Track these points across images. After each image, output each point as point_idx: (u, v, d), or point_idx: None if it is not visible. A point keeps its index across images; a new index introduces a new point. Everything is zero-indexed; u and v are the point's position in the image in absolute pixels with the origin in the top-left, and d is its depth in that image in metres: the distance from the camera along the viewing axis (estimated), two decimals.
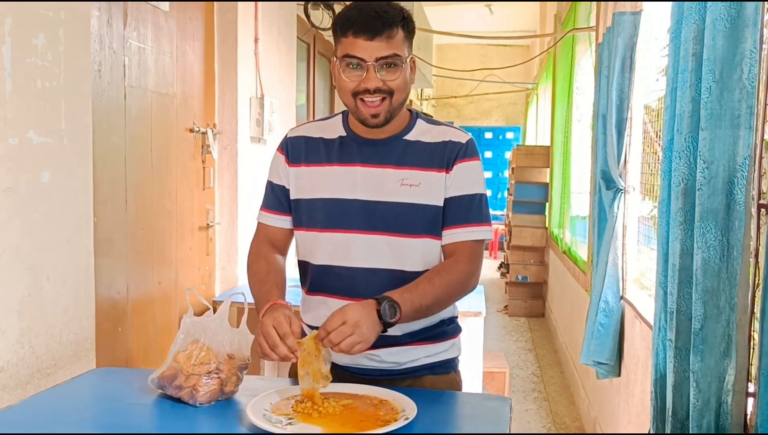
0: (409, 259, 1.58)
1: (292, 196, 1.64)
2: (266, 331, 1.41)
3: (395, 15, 1.50)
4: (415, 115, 1.64)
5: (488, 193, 1.67)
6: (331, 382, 1.57)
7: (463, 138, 1.61)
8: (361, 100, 1.51)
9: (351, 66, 1.50)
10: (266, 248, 1.69)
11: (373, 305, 1.41)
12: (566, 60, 5.57)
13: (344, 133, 1.63)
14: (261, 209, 1.71)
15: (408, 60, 1.54)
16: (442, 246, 1.61)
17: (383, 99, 1.51)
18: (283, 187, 1.66)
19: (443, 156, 1.58)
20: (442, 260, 1.62)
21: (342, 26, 1.50)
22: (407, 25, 1.53)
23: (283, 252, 1.72)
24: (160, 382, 1.47)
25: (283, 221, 1.68)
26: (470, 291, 1.60)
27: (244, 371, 1.51)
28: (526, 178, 7.39)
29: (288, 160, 1.65)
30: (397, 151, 1.59)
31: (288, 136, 1.69)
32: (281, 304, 1.51)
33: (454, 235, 1.58)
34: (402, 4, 1.57)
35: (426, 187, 1.56)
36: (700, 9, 1.62)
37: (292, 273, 1.69)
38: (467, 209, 1.58)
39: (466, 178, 1.58)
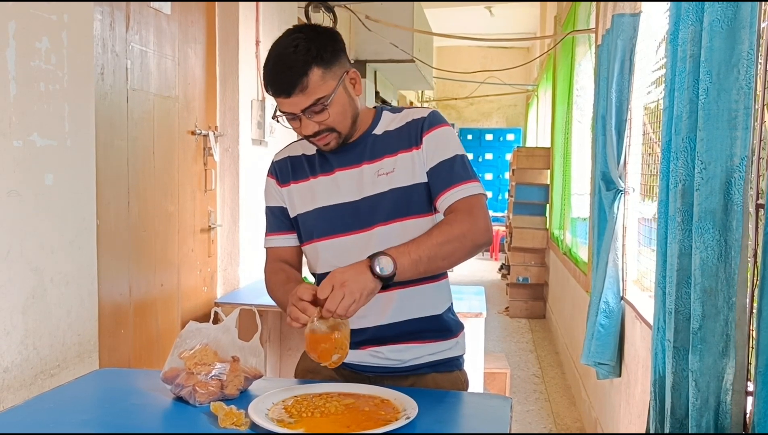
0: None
1: (291, 214, 1.68)
2: (294, 298, 1.43)
3: (302, 61, 1.46)
4: (379, 111, 1.67)
5: (469, 155, 1.64)
6: (334, 381, 1.58)
7: (424, 112, 1.63)
8: (310, 139, 1.57)
9: (287, 117, 1.54)
10: (279, 266, 1.70)
11: (364, 263, 1.43)
12: (566, 62, 5.58)
13: None
14: (265, 236, 1.73)
15: (338, 87, 1.51)
16: (443, 214, 1.59)
17: (328, 133, 1.55)
18: (281, 207, 1.70)
19: (409, 135, 1.60)
20: None
21: (264, 84, 1.53)
22: (324, 57, 1.48)
23: (297, 269, 1.73)
24: (164, 378, 1.49)
25: (289, 240, 1.70)
26: (483, 245, 1.55)
27: (250, 382, 1.52)
28: (527, 179, 7.40)
29: (278, 182, 1.70)
30: (368, 147, 1.62)
31: (274, 160, 1.74)
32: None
33: (445, 199, 1.57)
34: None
35: (400, 170, 1.59)
36: (698, 10, 1.63)
37: None
38: (449, 172, 1.57)
39: (437, 146, 1.59)
